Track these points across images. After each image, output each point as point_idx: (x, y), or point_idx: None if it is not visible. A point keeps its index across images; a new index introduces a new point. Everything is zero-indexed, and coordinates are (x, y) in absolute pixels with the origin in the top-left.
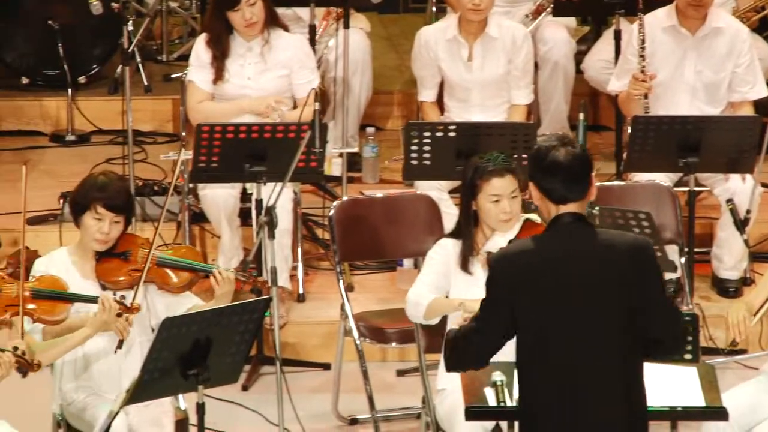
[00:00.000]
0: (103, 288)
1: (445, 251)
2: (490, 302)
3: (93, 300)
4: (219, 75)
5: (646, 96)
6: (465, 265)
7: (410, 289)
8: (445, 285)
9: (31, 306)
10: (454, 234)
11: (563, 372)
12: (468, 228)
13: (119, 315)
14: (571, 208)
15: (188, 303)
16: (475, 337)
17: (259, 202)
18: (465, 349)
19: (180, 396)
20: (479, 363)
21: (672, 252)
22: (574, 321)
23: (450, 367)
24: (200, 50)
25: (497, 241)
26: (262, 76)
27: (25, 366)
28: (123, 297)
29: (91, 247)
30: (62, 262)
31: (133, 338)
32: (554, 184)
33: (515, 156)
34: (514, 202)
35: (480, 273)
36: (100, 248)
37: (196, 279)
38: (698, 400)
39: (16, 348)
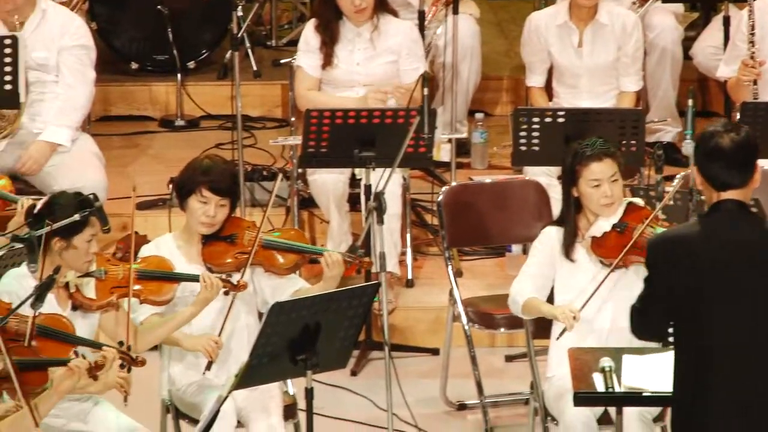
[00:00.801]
0: (210, 271)
1: (548, 239)
2: (649, 284)
3: (196, 279)
4: (328, 60)
5: (755, 82)
6: (568, 252)
7: (515, 280)
8: (550, 273)
9: (137, 287)
10: (558, 221)
11: (723, 354)
12: (569, 215)
13: (226, 293)
14: (733, 194)
15: (295, 286)
16: (641, 317)
17: (368, 187)
18: (640, 322)
19: (288, 381)
20: (653, 338)
21: None
22: (734, 304)
23: (636, 336)
24: (309, 35)
25: (601, 225)
26: (371, 62)
27: (129, 362)
28: (230, 275)
29: (197, 230)
30: (168, 247)
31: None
32: (715, 171)
33: (623, 142)
34: (615, 185)
35: (584, 259)
36: (206, 231)
37: (303, 261)
38: None
39: (121, 343)
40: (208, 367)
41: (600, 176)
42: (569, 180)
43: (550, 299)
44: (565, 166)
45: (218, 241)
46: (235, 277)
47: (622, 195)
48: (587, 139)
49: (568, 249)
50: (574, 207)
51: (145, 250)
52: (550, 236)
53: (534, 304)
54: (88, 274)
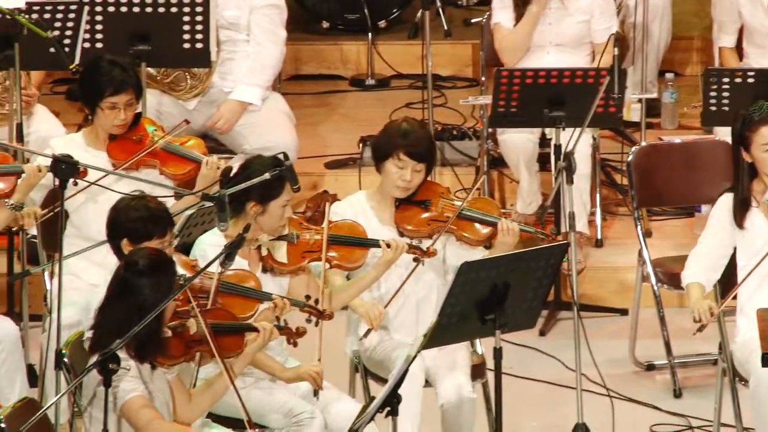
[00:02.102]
0: (401, 235)
1: (723, 208)
2: None
3: (375, 244)
4: (520, 21)
5: None
6: (739, 219)
7: (691, 252)
8: (728, 242)
9: (330, 253)
10: (732, 188)
11: None
12: (739, 182)
13: (415, 259)
14: None
15: (477, 256)
16: None
17: (557, 147)
18: None
19: (477, 341)
20: None
21: None
22: None
23: None
24: None
25: None
26: (563, 22)
27: (316, 315)
28: (420, 241)
29: (391, 193)
30: (361, 206)
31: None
32: None
33: None
34: None
35: (761, 224)
36: (401, 195)
37: (494, 233)
38: None
39: (308, 297)
40: (366, 334)
41: None
42: (738, 146)
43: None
44: (734, 132)
45: (412, 206)
46: (425, 243)
47: None
48: (755, 103)
49: (739, 216)
50: (747, 173)
51: (338, 207)
52: (725, 204)
53: (689, 290)
54: (280, 238)
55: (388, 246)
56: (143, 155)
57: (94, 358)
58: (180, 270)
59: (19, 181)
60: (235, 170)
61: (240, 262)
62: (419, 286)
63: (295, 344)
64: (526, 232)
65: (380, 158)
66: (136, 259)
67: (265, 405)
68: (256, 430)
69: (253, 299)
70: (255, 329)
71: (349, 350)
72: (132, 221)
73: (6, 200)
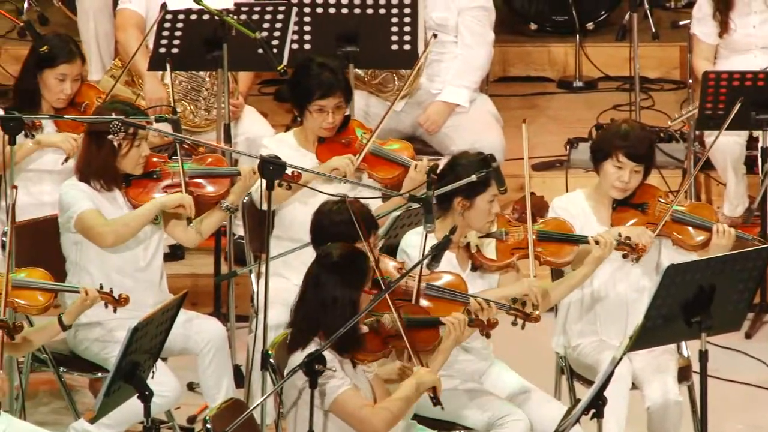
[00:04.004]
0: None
1: None
2: None
3: (583, 240)
4: (724, 28)
5: None
6: None
7: None
8: None
9: (538, 249)
10: None
11: None
12: None
13: (624, 256)
14: None
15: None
16: None
17: (765, 149)
18: None
19: (683, 343)
20: None
21: None
22: None
23: None
24: (703, 2)
25: None
26: (766, 25)
27: (523, 317)
28: (629, 238)
29: (608, 193)
30: (579, 204)
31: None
32: None
33: None
34: None
35: None
36: (618, 196)
37: (709, 239)
38: None
39: (514, 300)
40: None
41: None
42: None
43: None
44: None
45: (629, 208)
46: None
47: None
48: None
49: None
50: None
51: (559, 202)
52: None
53: None
54: (488, 235)
55: (597, 243)
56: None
57: (294, 357)
58: (391, 270)
59: (235, 183)
60: (441, 167)
61: (449, 260)
62: (630, 288)
63: (488, 335)
64: (742, 238)
65: (599, 159)
66: (329, 252)
67: (470, 406)
68: (461, 430)
69: (458, 302)
70: (443, 323)
71: (558, 347)
72: (336, 225)
73: (221, 202)
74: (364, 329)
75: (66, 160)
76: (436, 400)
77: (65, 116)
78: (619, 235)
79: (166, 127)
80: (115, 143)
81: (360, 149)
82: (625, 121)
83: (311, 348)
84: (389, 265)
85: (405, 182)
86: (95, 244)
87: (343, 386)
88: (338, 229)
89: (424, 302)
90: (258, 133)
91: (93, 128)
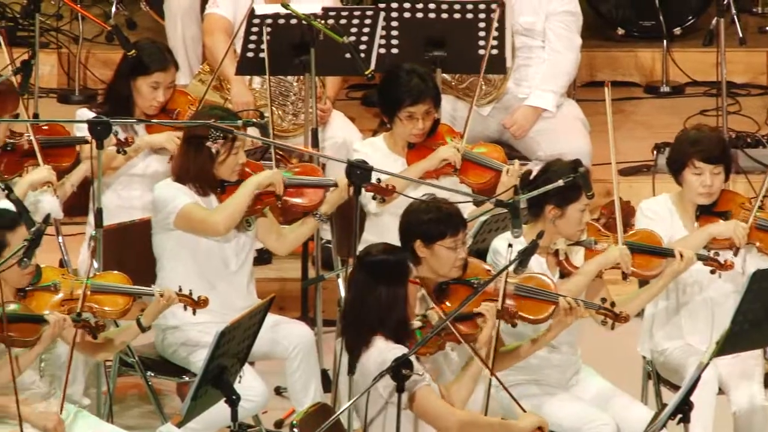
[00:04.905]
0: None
1: None
2: None
3: (671, 253)
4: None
5: None
6: None
7: None
8: None
9: None
10: None
11: None
12: None
13: (712, 272)
14: None
15: None
16: None
17: None
18: None
19: None
20: None
21: None
22: None
23: None
24: None
25: None
26: None
27: (612, 318)
28: (717, 254)
29: (695, 201)
30: (667, 206)
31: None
32: None
33: None
34: None
35: None
36: (706, 201)
37: None
38: None
39: (603, 300)
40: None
41: None
42: None
43: None
44: None
45: (712, 217)
46: (723, 255)
47: None
48: None
49: None
50: None
51: (648, 204)
52: None
53: None
54: (577, 243)
55: (681, 257)
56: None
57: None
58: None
59: (329, 193)
60: (534, 173)
61: (539, 264)
62: (715, 293)
63: (513, 325)
64: None
65: (677, 170)
66: (368, 252)
67: (557, 411)
68: None
69: (548, 302)
70: (480, 314)
71: (644, 350)
72: (424, 222)
73: (314, 212)
74: (416, 325)
75: (171, 158)
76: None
77: (153, 121)
78: (708, 251)
79: (253, 132)
80: (213, 150)
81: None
82: (694, 128)
83: (377, 346)
84: (479, 266)
85: (498, 187)
86: (206, 235)
87: (422, 382)
88: (426, 225)
89: (510, 302)
90: (346, 137)
91: (192, 133)
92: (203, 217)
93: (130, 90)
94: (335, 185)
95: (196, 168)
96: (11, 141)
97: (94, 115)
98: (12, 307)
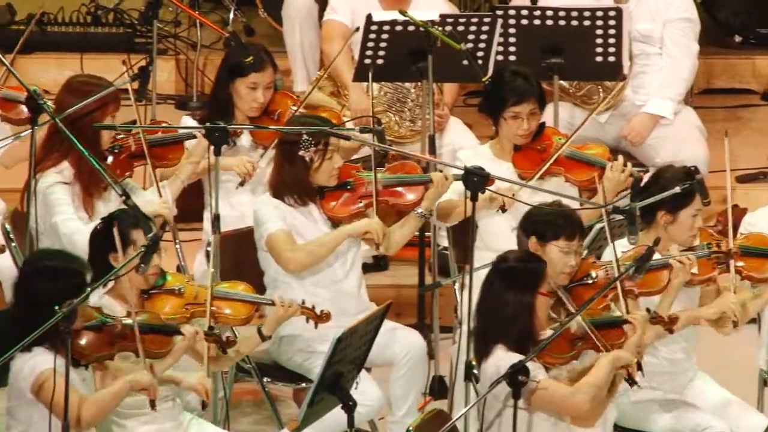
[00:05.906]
0: None
1: None
2: None
3: None
4: None
5: None
6: None
7: None
8: None
9: (739, 263)
10: None
11: None
12: None
13: None
14: None
15: None
16: None
17: None
18: None
19: None
20: None
21: None
22: None
23: None
24: None
25: None
26: None
27: (665, 324)
28: None
29: None
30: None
31: None
32: None
33: None
34: None
35: None
36: None
37: None
38: None
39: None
40: None
41: None
42: None
43: None
44: None
45: None
46: None
47: None
48: None
49: None
50: None
51: (747, 219)
52: None
53: None
54: (690, 249)
55: None
56: (549, 165)
57: (486, 366)
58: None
59: (428, 190)
60: (645, 180)
61: None
62: None
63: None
64: None
65: None
66: (504, 257)
67: (672, 417)
68: None
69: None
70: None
71: (761, 363)
72: (542, 220)
73: (416, 209)
74: (547, 333)
75: (241, 183)
76: (631, 381)
77: (264, 126)
78: None
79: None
80: (307, 158)
81: (554, 152)
82: None
83: (496, 355)
84: (585, 262)
85: (604, 183)
86: (279, 265)
87: (540, 375)
88: (544, 224)
89: (630, 287)
90: (463, 144)
91: (285, 139)
92: (283, 249)
93: (230, 93)
94: (431, 181)
95: (291, 178)
96: (117, 143)
97: (195, 122)
98: (143, 317)
